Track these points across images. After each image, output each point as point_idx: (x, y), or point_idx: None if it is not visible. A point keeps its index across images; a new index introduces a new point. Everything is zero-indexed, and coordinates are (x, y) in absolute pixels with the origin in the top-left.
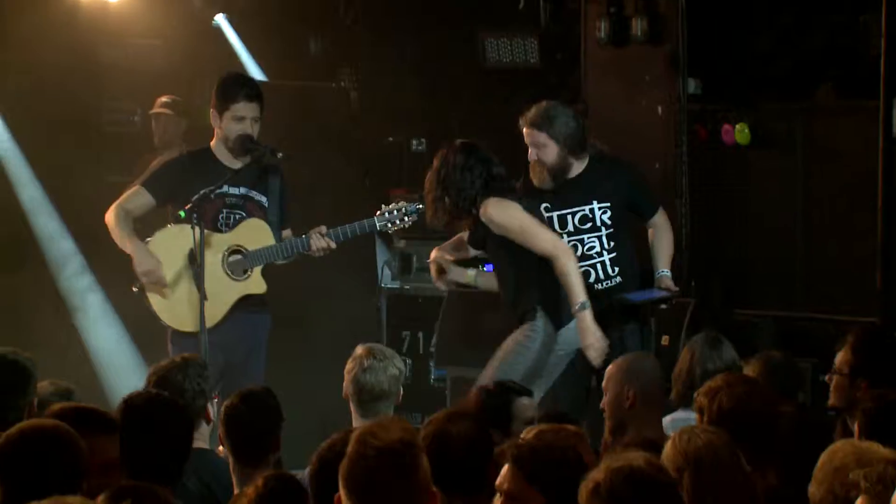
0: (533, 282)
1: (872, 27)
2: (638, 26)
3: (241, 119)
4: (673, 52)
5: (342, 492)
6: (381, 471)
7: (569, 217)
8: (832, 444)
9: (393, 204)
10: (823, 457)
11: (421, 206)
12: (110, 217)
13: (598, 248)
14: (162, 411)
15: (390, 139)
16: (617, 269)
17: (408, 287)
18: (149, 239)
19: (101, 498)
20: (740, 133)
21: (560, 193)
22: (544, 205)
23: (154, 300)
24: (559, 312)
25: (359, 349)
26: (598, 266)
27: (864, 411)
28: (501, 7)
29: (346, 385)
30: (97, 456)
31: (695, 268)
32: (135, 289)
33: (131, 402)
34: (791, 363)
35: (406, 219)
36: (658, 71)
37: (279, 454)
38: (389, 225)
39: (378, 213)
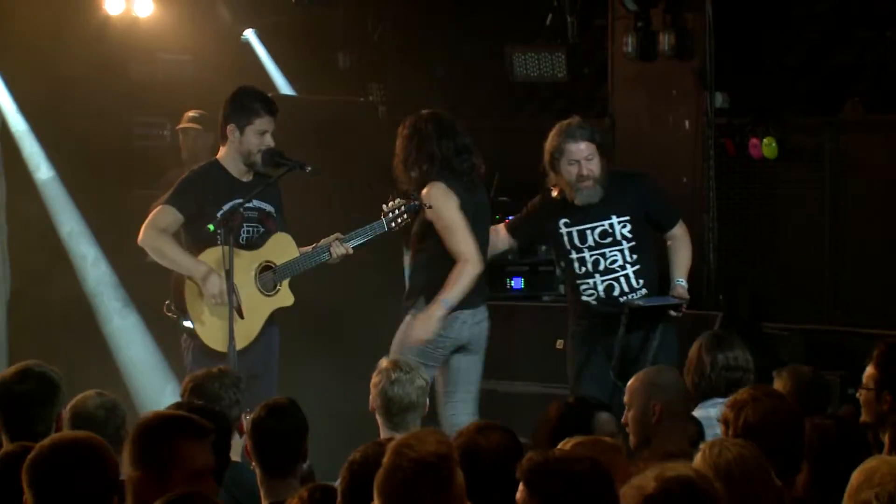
0: (430, 267)
1: None
2: (665, 41)
3: (264, 133)
4: (700, 67)
5: (377, 502)
6: (417, 483)
7: (588, 232)
8: (866, 458)
9: (392, 203)
10: (857, 472)
11: (417, 203)
12: (150, 239)
13: (620, 262)
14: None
15: None
16: (642, 281)
17: None
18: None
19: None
20: (768, 147)
21: (580, 209)
22: (563, 220)
23: (197, 324)
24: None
25: (384, 362)
26: (622, 279)
27: (894, 425)
28: (529, 22)
29: (373, 398)
30: (188, 462)
31: (722, 281)
32: (169, 313)
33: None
34: (819, 377)
35: (405, 216)
36: (685, 85)
37: (308, 464)
38: (393, 224)
39: (382, 213)
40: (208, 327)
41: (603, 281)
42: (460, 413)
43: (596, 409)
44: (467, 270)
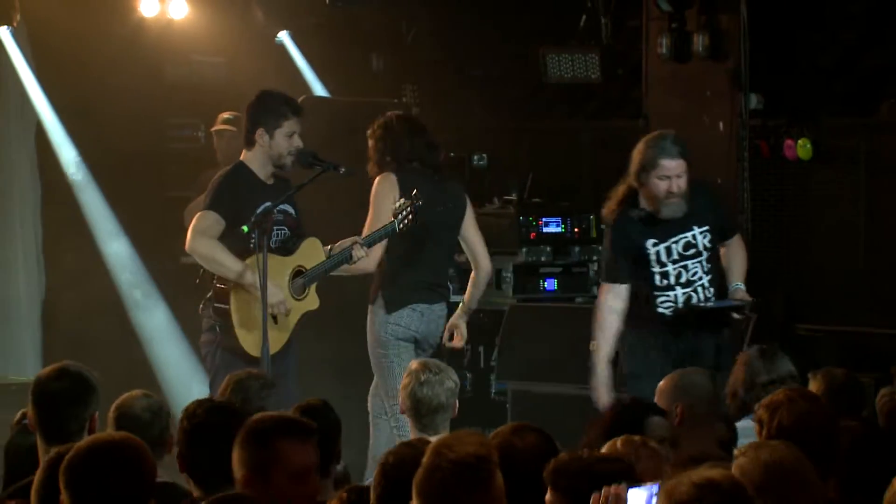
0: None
1: None
2: (700, 42)
3: (292, 135)
4: (735, 68)
5: (415, 502)
6: (456, 483)
7: (673, 246)
8: None
9: (399, 203)
10: None
11: (420, 202)
12: (201, 246)
13: (699, 273)
14: (226, 418)
15: (452, 154)
16: (712, 289)
17: None
18: None
19: None
20: (802, 148)
21: (662, 223)
22: (651, 241)
23: (240, 334)
24: (400, 294)
25: (413, 364)
26: (700, 289)
27: None
28: (563, 23)
29: (403, 400)
30: (290, 463)
31: (757, 283)
32: (207, 317)
33: (194, 411)
34: (854, 379)
35: (411, 216)
36: (720, 86)
37: (343, 465)
38: (401, 226)
39: (394, 213)
40: (252, 334)
41: (683, 293)
42: (403, 425)
43: (650, 412)
44: (362, 265)
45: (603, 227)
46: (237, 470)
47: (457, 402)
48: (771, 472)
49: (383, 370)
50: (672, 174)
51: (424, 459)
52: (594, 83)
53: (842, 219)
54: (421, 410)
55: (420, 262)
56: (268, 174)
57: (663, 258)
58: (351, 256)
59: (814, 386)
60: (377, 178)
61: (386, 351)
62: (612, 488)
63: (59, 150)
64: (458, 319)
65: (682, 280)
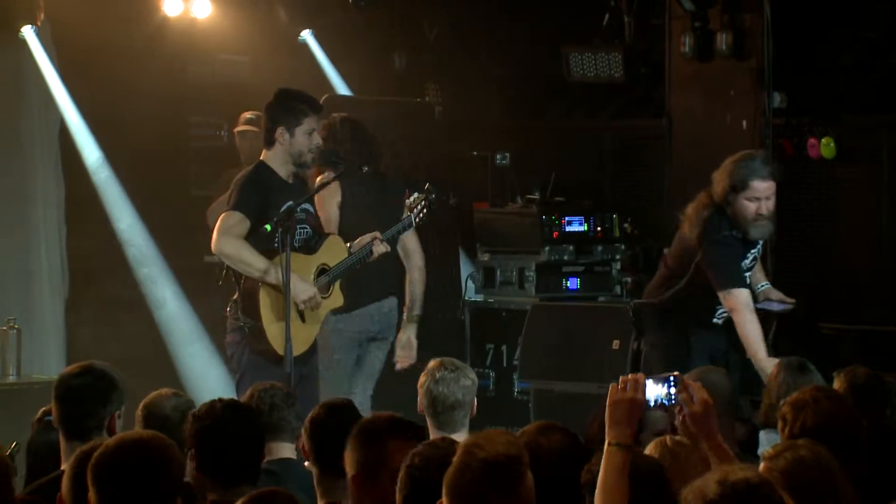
0: None
1: None
2: (723, 41)
3: (312, 132)
4: (758, 67)
5: (446, 500)
6: (487, 483)
7: (749, 257)
8: None
9: (413, 198)
10: None
11: (433, 195)
12: (227, 246)
13: (753, 281)
14: (235, 416)
15: (475, 153)
16: None
17: (491, 300)
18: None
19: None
20: (826, 147)
21: (748, 245)
22: (745, 261)
23: (269, 327)
24: (349, 297)
25: (431, 362)
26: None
27: None
28: (586, 22)
29: (420, 399)
30: (397, 464)
31: (780, 281)
32: (234, 319)
33: (206, 410)
34: (878, 379)
35: (426, 210)
36: (743, 85)
37: None
38: (416, 220)
39: (410, 208)
40: (279, 334)
41: None
42: (359, 401)
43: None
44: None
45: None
46: (348, 469)
47: (475, 400)
48: (802, 472)
49: (334, 373)
50: (762, 196)
51: (455, 458)
52: (617, 82)
53: (865, 217)
54: (437, 408)
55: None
56: (288, 173)
57: (749, 271)
58: (372, 252)
59: (837, 384)
60: (318, 179)
61: (339, 356)
62: (631, 376)
63: (83, 149)
64: (405, 334)
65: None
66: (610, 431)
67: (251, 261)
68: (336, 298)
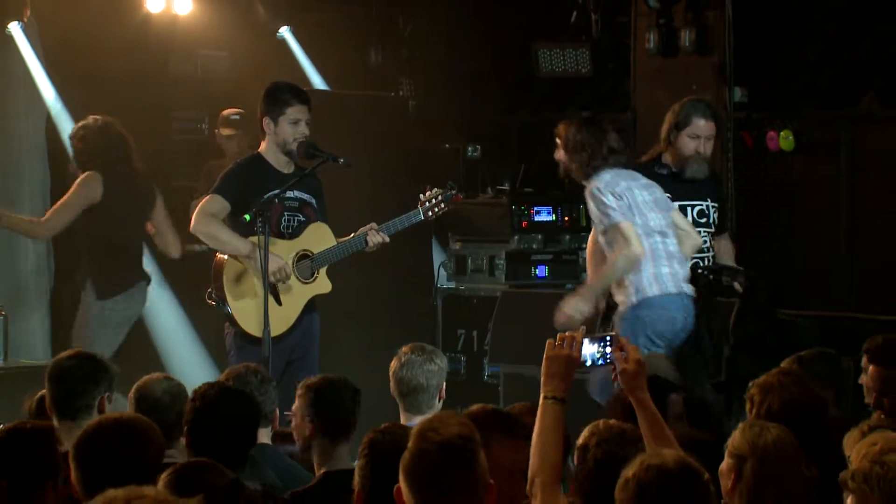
0: (86, 252)
1: None
2: (686, 37)
3: (297, 122)
4: (720, 62)
5: (404, 485)
6: (443, 464)
7: (689, 209)
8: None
9: (429, 193)
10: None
11: (454, 191)
12: (202, 225)
13: (708, 244)
14: (230, 400)
15: (447, 146)
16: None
17: (463, 287)
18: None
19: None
20: (785, 140)
21: (682, 184)
22: (693, 203)
23: (236, 308)
24: (110, 283)
25: (403, 348)
26: (705, 260)
27: None
28: (555, 20)
29: (391, 382)
30: (498, 459)
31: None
32: (210, 300)
33: (202, 392)
34: (835, 361)
35: (443, 204)
36: (705, 80)
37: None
38: (430, 213)
39: (419, 203)
40: (246, 313)
41: (692, 258)
42: None
43: (669, 390)
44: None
45: None
46: None
47: (442, 384)
48: (761, 453)
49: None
50: (703, 134)
51: (410, 444)
52: (584, 77)
53: (823, 207)
54: (402, 390)
55: (124, 250)
56: (282, 163)
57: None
58: (367, 242)
59: (793, 367)
60: (83, 176)
61: (96, 335)
62: (568, 333)
63: (69, 142)
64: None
65: None
66: (545, 386)
67: (227, 239)
68: (323, 284)
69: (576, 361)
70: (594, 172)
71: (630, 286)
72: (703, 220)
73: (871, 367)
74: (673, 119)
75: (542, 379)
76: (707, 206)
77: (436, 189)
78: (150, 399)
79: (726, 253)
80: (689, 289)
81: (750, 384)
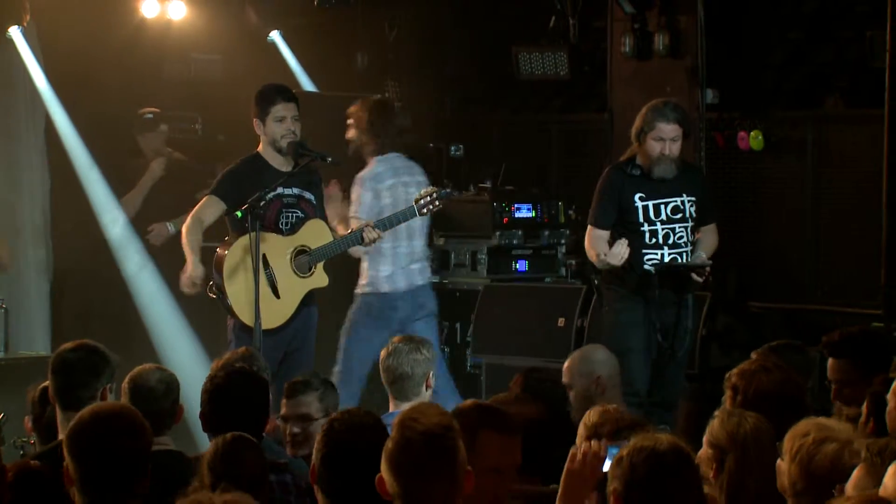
0: None
1: (878, 41)
2: (660, 41)
3: (282, 119)
4: (692, 65)
5: (388, 474)
6: (427, 452)
7: (662, 206)
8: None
9: (425, 190)
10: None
11: (450, 190)
12: (184, 229)
13: (685, 239)
14: (246, 381)
15: (431, 145)
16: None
17: (446, 281)
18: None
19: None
20: (755, 140)
21: (653, 183)
22: (639, 194)
23: (234, 300)
24: None
25: (393, 338)
26: (684, 255)
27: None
28: (534, 24)
29: (380, 371)
30: (488, 456)
31: (712, 264)
32: (212, 294)
33: (217, 376)
34: (802, 352)
35: (438, 202)
36: (678, 82)
37: None
38: (426, 210)
39: (416, 199)
40: (245, 305)
41: (669, 254)
42: None
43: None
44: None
45: None
46: None
47: (429, 373)
48: (741, 442)
49: None
50: (667, 137)
51: (393, 434)
52: (562, 79)
53: (791, 204)
54: (389, 378)
55: None
56: (280, 161)
57: (651, 216)
58: (363, 238)
59: (763, 357)
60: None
61: None
62: (593, 448)
63: (68, 143)
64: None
65: (670, 241)
66: (560, 501)
67: (184, 242)
68: (320, 279)
69: (598, 479)
70: (380, 152)
71: (367, 278)
72: (678, 215)
73: (829, 360)
74: (640, 124)
75: (559, 495)
76: (682, 202)
77: (432, 187)
78: (145, 388)
79: (703, 245)
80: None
81: (727, 375)
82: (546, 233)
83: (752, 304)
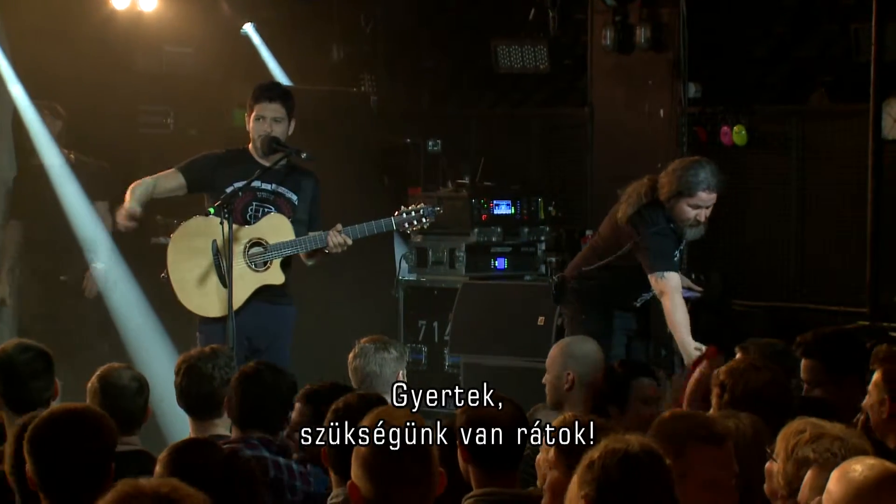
0: None
1: (862, 36)
2: (641, 34)
3: (261, 119)
4: (675, 59)
5: (362, 478)
6: (404, 456)
7: (678, 252)
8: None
9: (412, 206)
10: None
11: (438, 209)
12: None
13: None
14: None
15: (408, 140)
16: None
17: (424, 279)
18: (178, 228)
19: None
20: (738, 134)
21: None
22: (676, 252)
23: (178, 287)
24: None
25: (362, 339)
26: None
27: None
28: (513, 16)
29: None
30: (701, 472)
31: (695, 261)
32: (163, 276)
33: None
34: (787, 350)
35: (424, 220)
36: (660, 76)
37: None
38: (406, 225)
39: (396, 213)
40: (187, 292)
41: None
42: None
43: (637, 373)
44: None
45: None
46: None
47: (399, 371)
48: (739, 442)
49: None
50: (703, 205)
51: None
52: (542, 73)
53: (774, 201)
54: (357, 378)
55: None
56: (264, 157)
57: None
58: (327, 242)
59: (747, 355)
60: None
61: None
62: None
63: (35, 138)
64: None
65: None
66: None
67: (129, 191)
68: (274, 275)
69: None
70: None
71: None
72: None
73: (802, 360)
74: (677, 186)
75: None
76: (679, 250)
77: (420, 203)
78: (117, 387)
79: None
80: None
81: (715, 372)
82: (525, 230)
83: (735, 303)
